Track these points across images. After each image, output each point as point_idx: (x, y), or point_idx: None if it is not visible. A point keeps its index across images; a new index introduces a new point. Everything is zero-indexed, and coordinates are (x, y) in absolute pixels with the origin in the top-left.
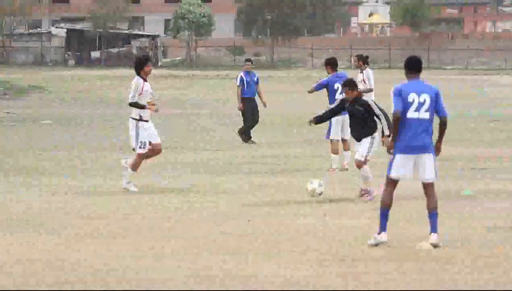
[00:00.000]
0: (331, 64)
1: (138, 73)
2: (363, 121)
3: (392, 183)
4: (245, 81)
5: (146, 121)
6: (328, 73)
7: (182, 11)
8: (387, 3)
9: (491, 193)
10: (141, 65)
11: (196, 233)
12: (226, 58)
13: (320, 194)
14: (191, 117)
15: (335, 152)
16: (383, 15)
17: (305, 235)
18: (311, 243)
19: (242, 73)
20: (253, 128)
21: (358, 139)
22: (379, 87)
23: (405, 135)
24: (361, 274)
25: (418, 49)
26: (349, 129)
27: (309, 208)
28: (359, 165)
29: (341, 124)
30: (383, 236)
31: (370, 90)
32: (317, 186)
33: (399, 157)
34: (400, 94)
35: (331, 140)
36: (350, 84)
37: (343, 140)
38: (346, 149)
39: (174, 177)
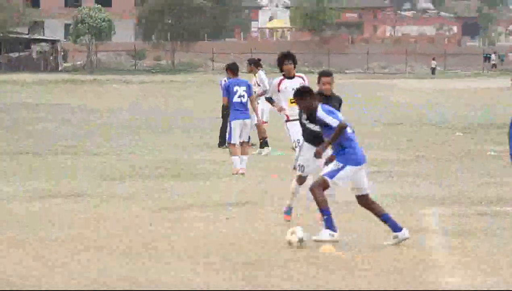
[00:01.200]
0: (231, 69)
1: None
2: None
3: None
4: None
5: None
6: (229, 78)
7: (82, 16)
8: (287, 7)
9: (400, 196)
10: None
11: (92, 237)
12: (126, 62)
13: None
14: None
15: (235, 153)
16: (283, 19)
17: (206, 239)
18: (214, 247)
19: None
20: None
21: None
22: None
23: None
24: (266, 277)
25: (318, 53)
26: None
27: (212, 212)
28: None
29: (241, 128)
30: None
31: (265, 92)
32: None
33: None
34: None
35: (230, 143)
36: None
37: (242, 144)
38: (244, 153)
39: (71, 181)
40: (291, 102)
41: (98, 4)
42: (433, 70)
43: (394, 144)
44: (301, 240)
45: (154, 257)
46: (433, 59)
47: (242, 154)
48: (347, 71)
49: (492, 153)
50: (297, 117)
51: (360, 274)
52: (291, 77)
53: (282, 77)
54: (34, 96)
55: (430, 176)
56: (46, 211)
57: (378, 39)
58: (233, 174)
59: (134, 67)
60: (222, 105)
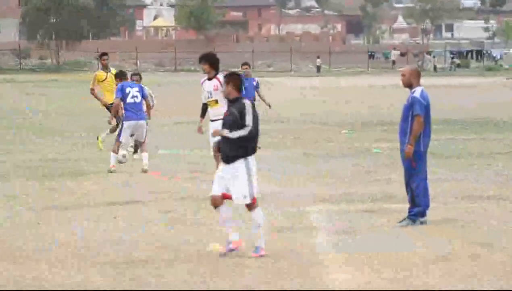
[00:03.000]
0: (119, 77)
1: None
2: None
3: None
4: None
5: None
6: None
7: None
8: (172, 6)
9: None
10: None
11: None
12: (11, 61)
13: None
14: None
15: (114, 151)
16: (167, 18)
17: (93, 238)
18: (104, 248)
19: None
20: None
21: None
22: (164, 90)
23: None
24: (154, 276)
25: (204, 52)
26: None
27: (101, 211)
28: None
29: (133, 129)
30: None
31: None
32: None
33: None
34: None
35: (118, 141)
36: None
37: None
38: (144, 150)
39: None
40: (208, 104)
41: None
42: (318, 68)
43: (281, 142)
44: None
45: (42, 257)
46: (318, 57)
47: (142, 152)
48: (233, 70)
49: (377, 150)
50: (217, 118)
51: (248, 272)
52: (209, 78)
53: (205, 77)
54: None
55: (316, 174)
56: None
57: (263, 37)
58: (108, 170)
59: (19, 66)
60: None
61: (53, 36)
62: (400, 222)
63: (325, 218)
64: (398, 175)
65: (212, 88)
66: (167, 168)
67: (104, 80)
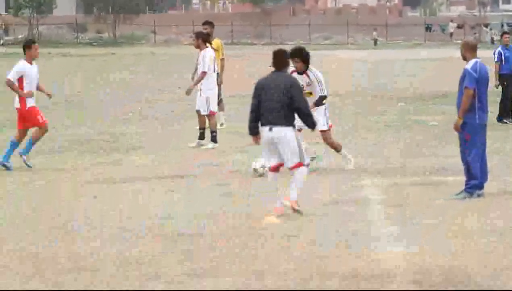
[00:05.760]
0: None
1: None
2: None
3: None
4: (503, 57)
5: None
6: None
7: None
8: None
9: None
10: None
11: (28, 211)
12: (68, 35)
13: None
14: None
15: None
16: None
17: (150, 213)
18: (158, 221)
19: (500, 48)
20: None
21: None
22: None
23: None
24: (205, 249)
25: (260, 25)
26: None
27: (154, 185)
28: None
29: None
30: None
31: (204, 73)
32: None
33: None
34: None
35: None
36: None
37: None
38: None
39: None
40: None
41: None
42: (375, 41)
43: (337, 115)
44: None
45: (96, 231)
46: (375, 30)
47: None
48: (289, 43)
49: (433, 123)
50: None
51: (300, 245)
52: (300, 73)
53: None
54: None
55: (370, 147)
56: None
57: (320, 10)
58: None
59: (76, 40)
60: None
61: (110, 10)
62: (457, 194)
63: (380, 191)
64: (454, 148)
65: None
66: (220, 140)
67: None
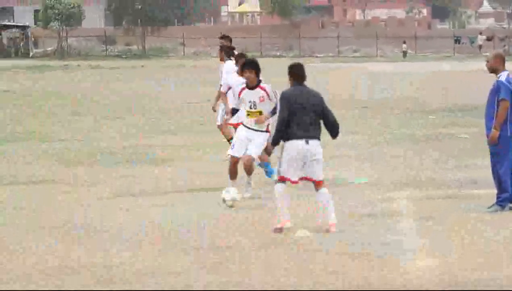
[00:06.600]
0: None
1: None
2: None
3: None
4: None
5: None
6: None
7: (51, 1)
8: None
9: (371, 179)
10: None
11: (55, 223)
12: (97, 48)
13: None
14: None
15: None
16: (252, 4)
17: (178, 225)
18: (188, 233)
19: None
20: None
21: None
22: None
23: None
24: (236, 262)
25: (289, 37)
26: None
27: (183, 197)
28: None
29: None
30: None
31: (222, 86)
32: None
33: None
34: None
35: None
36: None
37: None
38: None
39: (31, 168)
40: (247, 115)
41: None
42: (404, 53)
43: (366, 127)
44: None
45: (125, 242)
46: (404, 42)
47: None
48: (318, 55)
49: (464, 136)
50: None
51: (332, 258)
52: (251, 87)
53: (243, 86)
54: (4, 82)
55: (401, 159)
56: (8, 198)
57: (348, 22)
58: None
59: (105, 52)
60: None
61: (139, 22)
62: (489, 207)
63: (411, 203)
64: (485, 161)
65: (257, 99)
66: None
67: None
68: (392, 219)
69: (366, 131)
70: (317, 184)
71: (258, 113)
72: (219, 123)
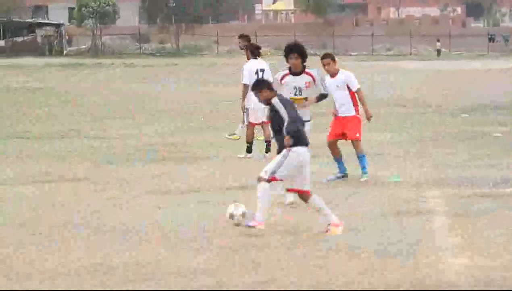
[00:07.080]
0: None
1: None
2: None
3: None
4: None
5: None
6: None
7: None
8: None
9: (403, 178)
10: None
11: (94, 221)
12: (131, 46)
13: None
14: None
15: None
16: (287, 1)
17: (213, 223)
18: (223, 231)
19: None
20: None
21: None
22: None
23: None
24: (270, 260)
25: (323, 35)
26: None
27: (219, 196)
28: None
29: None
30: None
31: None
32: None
33: None
34: None
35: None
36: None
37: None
38: None
39: (71, 165)
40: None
41: None
42: (438, 51)
43: (398, 126)
44: (231, 216)
45: (160, 240)
46: (438, 40)
47: None
48: (352, 53)
49: (497, 134)
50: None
51: (363, 256)
52: (297, 73)
53: (287, 71)
54: (38, 80)
55: (434, 157)
56: (48, 194)
57: (383, 20)
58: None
59: (139, 50)
60: None
61: (173, 20)
62: None
63: (444, 201)
64: None
65: (303, 84)
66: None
67: None
68: (425, 217)
69: (397, 130)
70: (307, 194)
71: (303, 99)
72: (254, 121)
